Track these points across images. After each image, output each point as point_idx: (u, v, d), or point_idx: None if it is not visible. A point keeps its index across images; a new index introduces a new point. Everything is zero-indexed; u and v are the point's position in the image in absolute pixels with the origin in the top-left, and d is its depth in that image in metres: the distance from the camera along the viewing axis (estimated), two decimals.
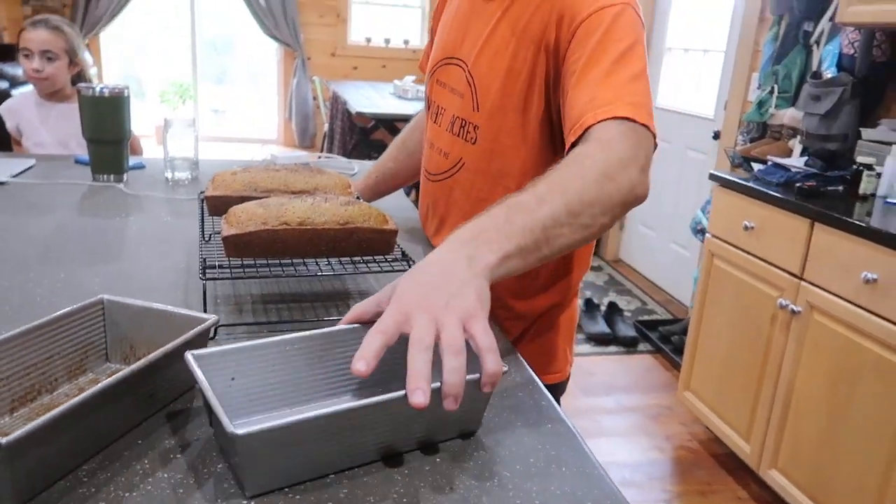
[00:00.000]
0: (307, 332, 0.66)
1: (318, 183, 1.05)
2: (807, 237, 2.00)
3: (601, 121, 0.84)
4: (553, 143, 1.02)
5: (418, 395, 0.54)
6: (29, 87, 4.59)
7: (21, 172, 1.56)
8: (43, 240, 1.13)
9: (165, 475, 0.56)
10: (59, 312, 0.66)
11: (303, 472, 0.57)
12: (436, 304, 0.60)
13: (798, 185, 2.14)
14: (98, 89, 1.49)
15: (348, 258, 0.94)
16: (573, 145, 0.86)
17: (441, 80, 1.15)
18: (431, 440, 0.63)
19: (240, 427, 0.51)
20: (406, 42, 7.02)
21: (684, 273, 3.74)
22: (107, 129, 1.52)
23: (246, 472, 0.53)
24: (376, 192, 1.40)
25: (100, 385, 0.54)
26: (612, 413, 2.75)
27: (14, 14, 6.29)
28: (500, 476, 0.60)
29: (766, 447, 2.17)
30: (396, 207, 1.43)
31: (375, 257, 0.94)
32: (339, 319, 0.69)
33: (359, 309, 0.66)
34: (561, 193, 0.74)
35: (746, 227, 2.23)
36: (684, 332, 2.97)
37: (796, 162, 2.39)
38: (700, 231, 2.88)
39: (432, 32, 1.28)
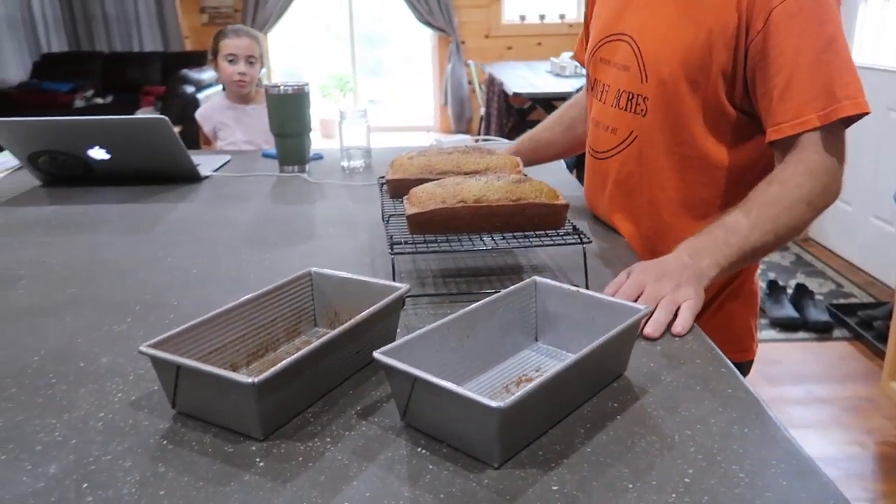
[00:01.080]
0: (456, 315, 0.70)
1: (488, 163, 1.10)
2: None
3: (811, 129, 0.94)
4: (739, 107, 1.02)
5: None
6: (212, 91, 5.03)
7: (220, 167, 1.75)
8: (246, 225, 1.28)
9: (376, 419, 0.65)
10: (278, 283, 0.77)
11: (529, 434, 0.61)
12: (666, 287, 0.84)
13: None
14: (283, 88, 1.64)
15: (521, 233, 0.99)
16: (779, 141, 0.97)
17: (604, 58, 1.17)
18: (593, 392, 0.69)
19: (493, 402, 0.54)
20: (562, 16, 6.95)
21: (888, 251, 3.36)
22: (291, 123, 1.66)
23: (499, 444, 0.57)
24: (527, 159, 1.40)
25: (320, 340, 0.64)
26: (802, 404, 2.57)
27: (193, 23, 6.94)
28: (680, 434, 0.62)
29: None
30: (562, 183, 1.46)
31: (547, 231, 0.98)
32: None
33: (613, 286, 0.87)
34: (771, 221, 0.93)
35: None
36: (889, 316, 2.69)
37: None
38: None
39: (587, 19, 1.31)
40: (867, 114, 0.95)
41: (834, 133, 0.95)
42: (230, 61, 2.48)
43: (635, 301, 0.81)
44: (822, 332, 2.99)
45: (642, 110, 1.08)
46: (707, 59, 1.00)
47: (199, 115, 2.61)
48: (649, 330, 0.80)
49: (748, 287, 1.17)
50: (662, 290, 0.84)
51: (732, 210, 0.95)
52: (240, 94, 2.54)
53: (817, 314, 3.04)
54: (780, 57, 0.94)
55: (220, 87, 5.41)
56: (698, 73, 1.01)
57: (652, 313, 0.81)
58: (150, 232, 1.24)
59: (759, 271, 1.21)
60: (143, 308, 0.92)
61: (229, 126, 2.55)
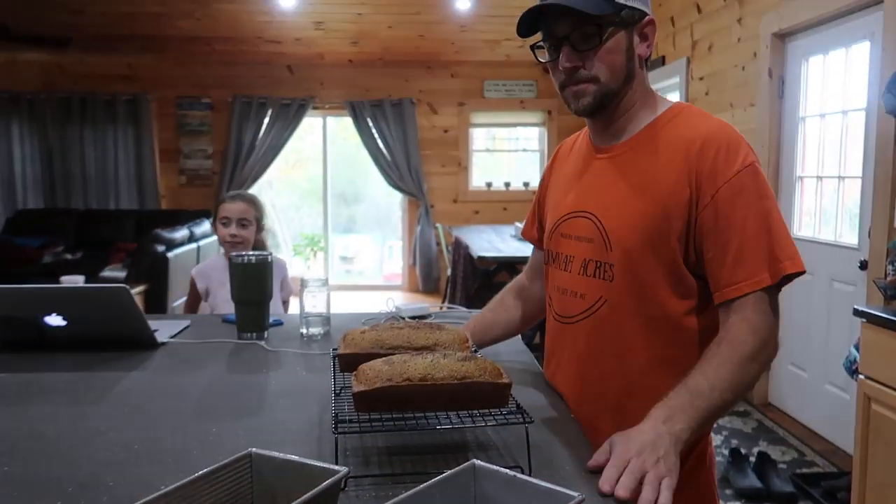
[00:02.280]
0: (392, 502, 0.69)
1: (437, 339, 1.13)
2: None
3: (748, 293, 1.09)
4: (692, 270, 1.16)
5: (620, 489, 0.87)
6: (182, 250, 5.10)
7: (178, 333, 1.75)
8: (196, 396, 1.27)
9: None
10: (215, 465, 0.76)
11: None
12: (649, 460, 0.91)
13: None
14: (246, 257, 1.69)
15: (466, 411, 0.99)
16: (724, 302, 1.11)
17: (565, 233, 1.28)
18: None
19: None
20: (526, 185, 7.34)
21: (846, 418, 3.25)
22: (252, 291, 1.70)
23: None
24: (479, 339, 1.44)
25: None
26: None
27: (171, 184, 7.17)
28: None
29: None
30: (514, 353, 1.48)
31: (491, 410, 0.99)
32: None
33: (594, 461, 0.96)
34: (726, 380, 1.04)
35: None
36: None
37: None
38: (856, 371, 2.63)
39: (538, 203, 1.45)
40: (803, 272, 1.10)
41: (772, 294, 1.10)
42: (223, 224, 2.56)
43: (620, 474, 0.90)
44: (787, 503, 2.91)
45: (609, 276, 1.19)
46: (665, 229, 1.14)
47: (195, 271, 2.63)
48: None
49: (704, 449, 1.22)
50: (645, 465, 0.91)
51: (691, 373, 1.05)
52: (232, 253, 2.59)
53: (781, 485, 2.97)
54: (730, 229, 1.10)
55: (193, 245, 5.51)
56: (658, 240, 1.14)
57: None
58: (97, 403, 1.23)
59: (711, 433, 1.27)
60: (77, 489, 0.89)
61: (225, 285, 2.57)
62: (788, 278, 1.10)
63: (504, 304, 1.51)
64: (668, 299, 1.16)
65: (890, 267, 2.85)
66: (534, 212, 1.48)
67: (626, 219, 1.17)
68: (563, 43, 1.17)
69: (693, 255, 1.14)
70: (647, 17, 1.20)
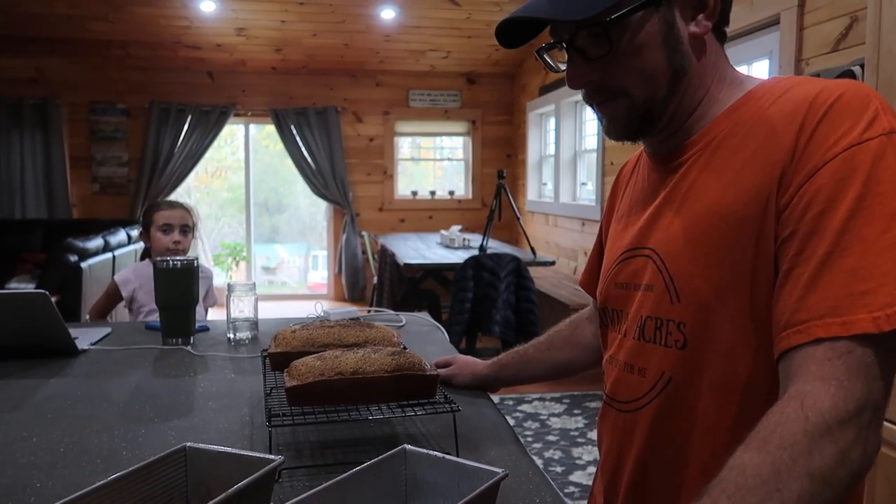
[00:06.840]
0: (326, 485, 0.72)
1: (367, 336, 1.16)
2: None
3: (824, 340, 0.66)
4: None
5: None
6: (97, 260, 4.91)
7: (99, 340, 1.72)
8: (122, 400, 1.25)
9: None
10: (150, 459, 0.77)
11: None
12: None
13: None
14: (171, 262, 1.67)
15: (396, 403, 1.03)
16: (781, 354, 0.70)
17: (619, 282, 0.94)
18: None
19: None
20: (451, 193, 7.45)
21: None
22: (178, 296, 1.68)
23: None
24: (511, 373, 1.27)
25: None
26: None
27: (83, 192, 6.91)
28: None
29: None
30: (441, 352, 1.52)
31: (420, 401, 1.03)
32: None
33: None
34: (776, 482, 0.61)
35: None
36: None
37: None
38: None
39: (599, 242, 1.11)
40: None
41: (876, 350, 0.65)
42: (164, 231, 2.49)
43: None
44: None
45: (678, 341, 0.83)
46: (756, 262, 0.77)
47: (119, 278, 2.54)
48: None
49: None
50: None
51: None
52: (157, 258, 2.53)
53: None
54: (819, 234, 0.70)
55: (108, 255, 5.32)
56: (751, 279, 0.78)
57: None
58: (16, 410, 1.20)
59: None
60: (2, 492, 0.88)
61: (152, 294, 2.50)
62: None
63: (551, 343, 1.24)
64: (766, 380, 0.76)
65: None
66: (593, 257, 1.12)
67: (698, 251, 0.81)
68: (570, 48, 0.84)
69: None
70: None
